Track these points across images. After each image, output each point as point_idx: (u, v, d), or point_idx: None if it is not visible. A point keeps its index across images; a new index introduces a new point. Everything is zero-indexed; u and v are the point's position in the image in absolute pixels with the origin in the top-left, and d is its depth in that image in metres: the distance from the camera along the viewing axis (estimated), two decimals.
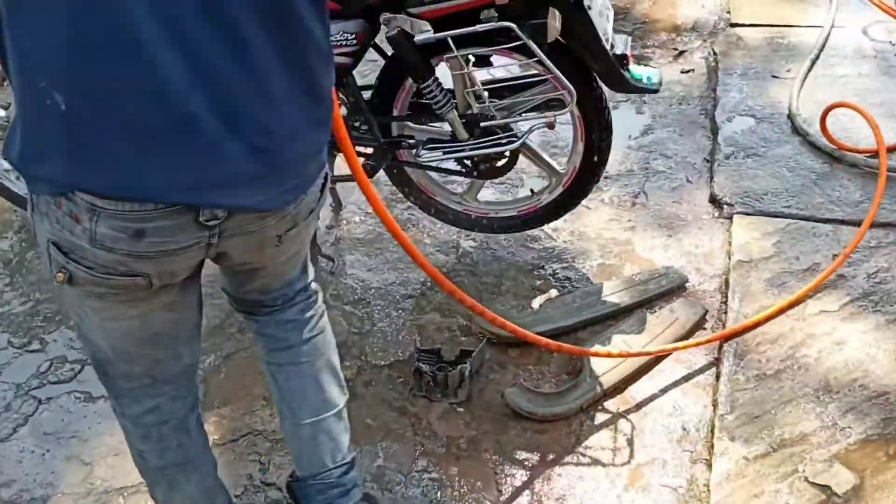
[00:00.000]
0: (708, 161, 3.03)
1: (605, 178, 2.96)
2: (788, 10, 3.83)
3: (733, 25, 3.76)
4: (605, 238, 2.72)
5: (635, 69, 2.30)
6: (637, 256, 2.65)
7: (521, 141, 2.32)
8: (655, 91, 2.32)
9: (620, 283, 2.50)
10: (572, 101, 2.23)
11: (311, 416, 1.73)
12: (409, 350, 2.36)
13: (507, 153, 2.40)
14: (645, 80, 2.30)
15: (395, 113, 2.43)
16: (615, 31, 2.33)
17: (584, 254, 2.67)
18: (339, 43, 2.21)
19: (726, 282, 2.50)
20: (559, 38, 2.16)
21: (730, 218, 2.73)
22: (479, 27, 2.12)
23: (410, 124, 2.46)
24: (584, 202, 2.77)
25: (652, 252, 2.66)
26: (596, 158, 2.43)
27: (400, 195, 2.69)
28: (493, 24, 2.11)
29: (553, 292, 2.53)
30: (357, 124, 2.42)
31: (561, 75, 2.18)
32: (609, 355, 2.19)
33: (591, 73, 2.28)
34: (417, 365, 2.22)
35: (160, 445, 1.61)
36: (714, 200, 2.83)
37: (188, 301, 1.50)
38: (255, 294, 1.68)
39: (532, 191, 2.64)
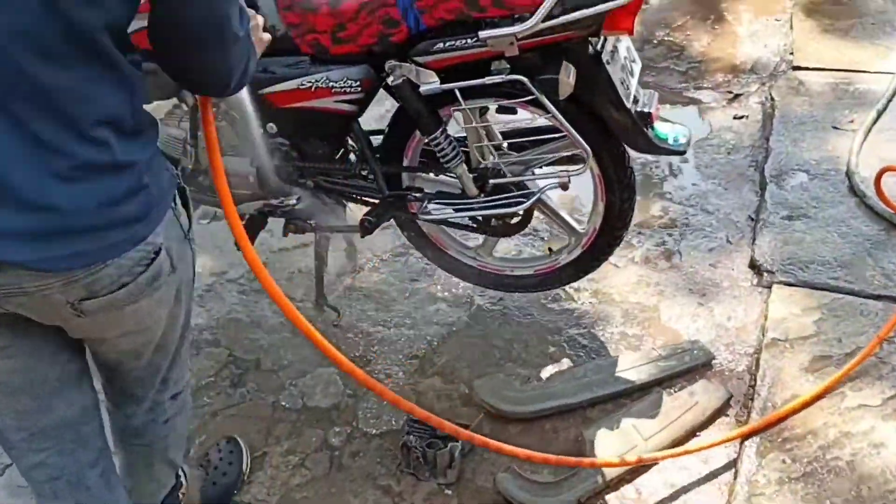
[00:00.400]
0: (752, 220, 2.79)
1: (639, 232, 2.77)
2: (858, 53, 3.54)
3: (796, 68, 3.50)
4: (630, 302, 2.52)
5: (661, 127, 2.10)
6: (662, 326, 2.43)
7: (531, 202, 2.14)
8: (681, 153, 2.11)
9: (639, 356, 2.30)
10: (589, 160, 2.05)
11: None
12: (403, 417, 2.21)
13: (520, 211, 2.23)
14: (670, 141, 2.10)
15: (406, 163, 2.28)
16: (645, 83, 2.14)
17: (605, 319, 2.47)
18: (342, 90, 2.09)
19: (757, 362, 2.27)
20: (576, 91, 1.99)
21: (769, 287, 2.49)
22: (487, 80, 1.95)
23: (421, 175, 2.31)
24: (612, 259, 2.59)
25: (679, 321, 2.44)
26: (617, 220, 2.24)
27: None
28: (502, 76, 1.94)
29: (565, 362, 2.34)
30: (364, 174, 2.28)
31: (575, 133, 2.00)
32: (594, 465, 1.97)
33: (611, 130, 2.09)
34: (406, 439, 2.07)
35: (56, 503, 1.51)
36: (754, 266, 2.59)
37: (31, 349, 1.37)
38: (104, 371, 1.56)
39: (550, 249, 2.46)
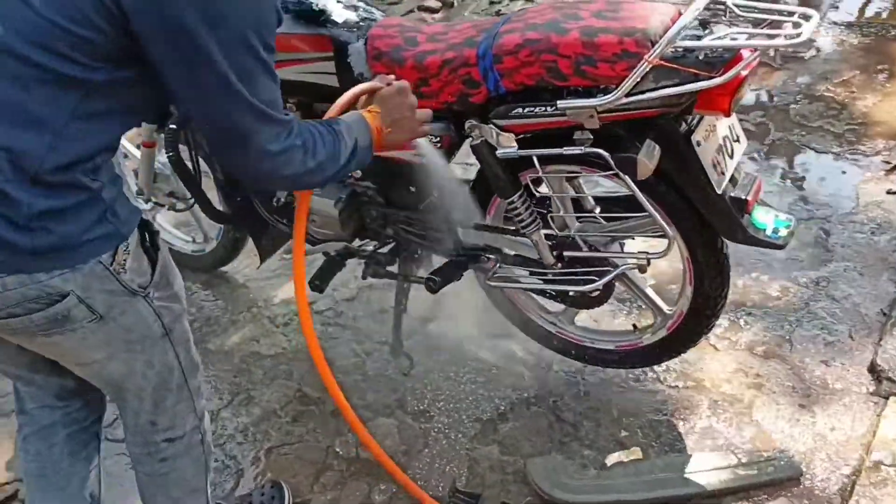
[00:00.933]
0: (884, 315, 2.48)
1: (749, 313, 2.53)
2: None
3: None
4: (722, 392, 2.30)
5: (759, 215, 1.89)
6: (752, 425, 2.20)
7: (604, 280, 2.00)
8: (779, 247, 1.89)
9: (717, 458, 2.09)
10: (672, 244, 1.88)
11: None
12: (450, 482, 2.12)
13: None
14: (769, 232, 1.88)
15: (487, 220, 2.20)
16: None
17: (690, 409, 2.27)
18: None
19: (852, 486, 2.00)
20: (664, 169, 1.83)
21: (886, 398, 2.20)
22: (566, 150, 1.83)
23: (500, 236, 2.22)
24: (713, 339, 2.40)
25: (773, 423, 2.20)
26: (706, 307, 2.04)
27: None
28: (581, 149, 1.82)
29: (636, 451, 2.17)
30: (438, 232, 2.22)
31: (657, 214, 1.85)
32: None
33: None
34: None
35: (23, 448, 1.70)
36: (874, 370, 2.30)
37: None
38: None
39: (634, 326, 2.29)
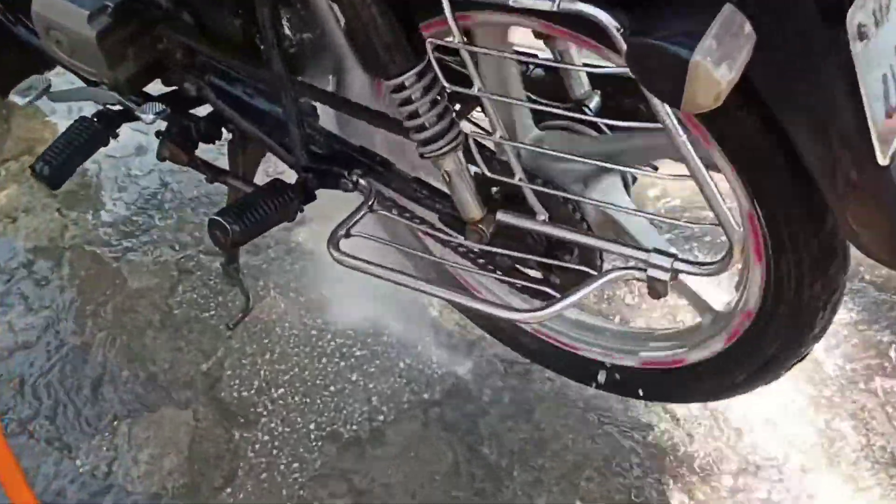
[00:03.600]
0: None
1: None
2: None
3: None
4: (764, 459, 1.30)
5: None
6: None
7: (554, 308, 0.92)
8: None
9: None
10: (742, 252, 0.81)
11: None
12: None
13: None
14: None
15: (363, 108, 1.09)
16: None
17: (710, 466, 1.28)
18: None
19: None
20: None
21: None
22: None
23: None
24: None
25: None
26: (794, 316, 0.98)
27: None
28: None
29: None
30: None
31: (720, 199, 0.76)
32: None
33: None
34: None
35: None
36: None
37: None
38: None
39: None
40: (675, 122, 0.74)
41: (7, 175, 1.67)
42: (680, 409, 1.34)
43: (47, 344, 1.44)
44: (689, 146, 0.75)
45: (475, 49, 0.84)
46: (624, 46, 0.68)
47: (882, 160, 0.71)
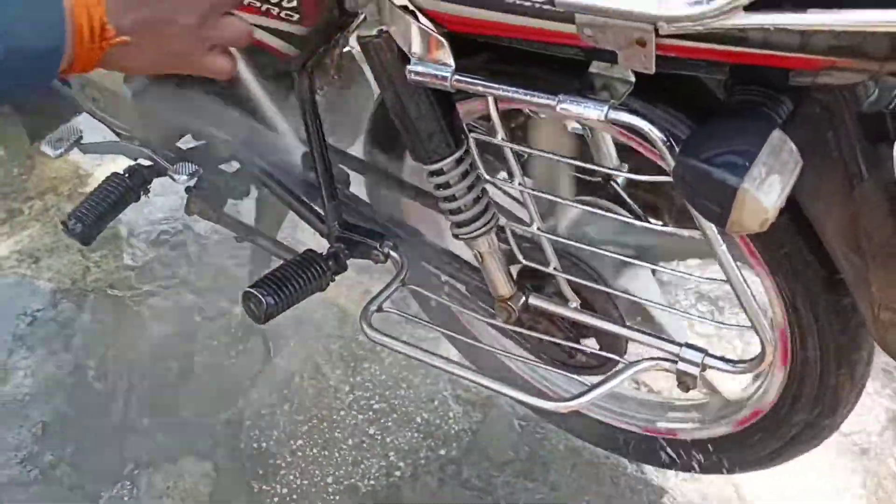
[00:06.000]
0: None
1: None
2: None
3: None
4: None
5: None
6: None
7: (581, 401, 0.93)
8: None
9: None
10: (769, 359, 0.82)
11: None
12: None
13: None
14: None
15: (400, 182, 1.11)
16: None
17: None
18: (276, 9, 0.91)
19: None
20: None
21: None
22: (560, 101, 0.73)
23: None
24: None
25: None
26: (814, 403, 1.00)
27: None
28: (599, 108, 0.71)
29: None
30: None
31: (755, 305, 0.78)
32: None
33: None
34: None
35: None
36: None
37: None
38: None
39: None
40: (716, 232, 0.76)
41: (31, 214, 1.68)
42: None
43: (69, 389, 1.45)
44: (729, 256, 0.76)
45: (517, 148, 0.85)
46: (672, 162, 0.70)
47: None
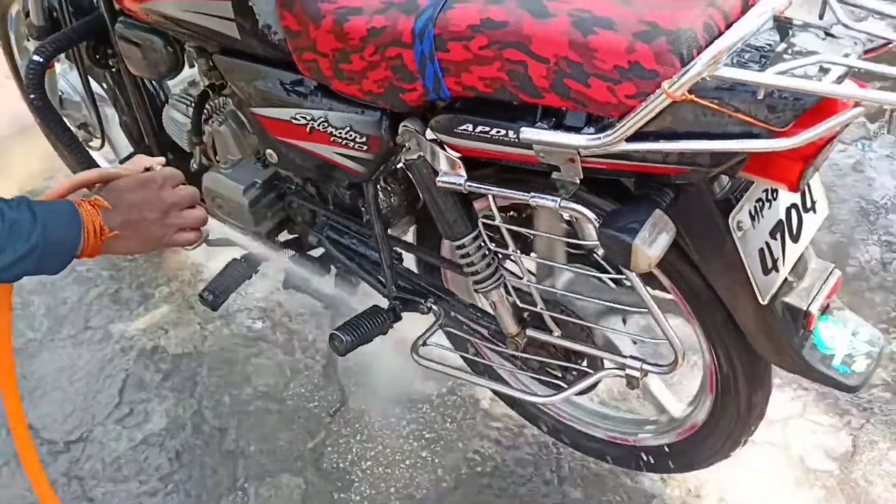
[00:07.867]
0: None
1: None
2: None
3: None
4: None
5: (827, 333, 1.21)
6: None
7: (560, 396, 1.37)
8: (850, 389, 1.21)
9: None
10: (679, 364, 1.23)
11: None
12: None
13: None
14: (836, 362, 1.20)
15: (439, 257, 1.57)
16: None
17: None
18: (343, 141, 1.39)
19: None
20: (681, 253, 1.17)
21: None
22: (532, 197, 1.17)
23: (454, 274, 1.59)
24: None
25: None
26: (735, 423, 1.40)
27: None
28: (554, 200, 1.15)
29: None
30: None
31: (663, 320, 1.19)
32: None
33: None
34: None
35: None
36: None
37: None
38: None
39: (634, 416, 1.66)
40: (638, 280, 1.17)
41: (160, 297, 2.18)
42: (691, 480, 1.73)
43: (194, 426, 1.90)
44: (648, 295, 1.18)
45: (511, 227, 1.30)
46: (596, 230, 1.13)
47: (763, 301, 1.14)
